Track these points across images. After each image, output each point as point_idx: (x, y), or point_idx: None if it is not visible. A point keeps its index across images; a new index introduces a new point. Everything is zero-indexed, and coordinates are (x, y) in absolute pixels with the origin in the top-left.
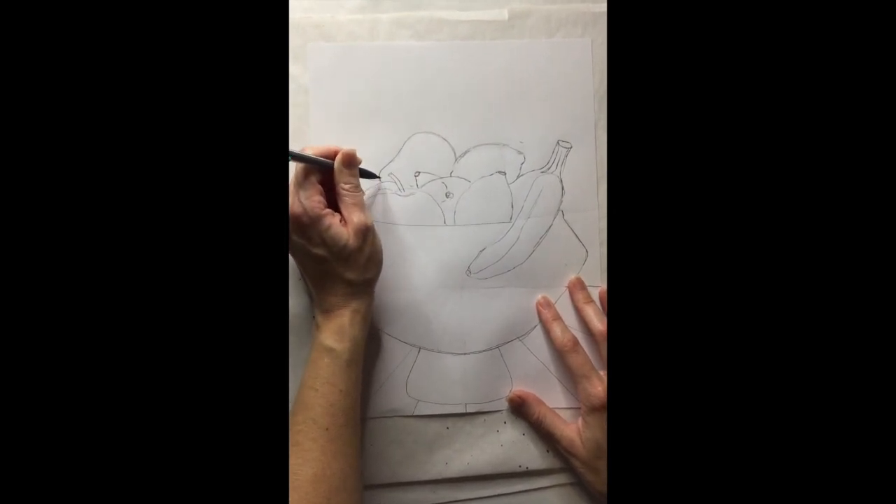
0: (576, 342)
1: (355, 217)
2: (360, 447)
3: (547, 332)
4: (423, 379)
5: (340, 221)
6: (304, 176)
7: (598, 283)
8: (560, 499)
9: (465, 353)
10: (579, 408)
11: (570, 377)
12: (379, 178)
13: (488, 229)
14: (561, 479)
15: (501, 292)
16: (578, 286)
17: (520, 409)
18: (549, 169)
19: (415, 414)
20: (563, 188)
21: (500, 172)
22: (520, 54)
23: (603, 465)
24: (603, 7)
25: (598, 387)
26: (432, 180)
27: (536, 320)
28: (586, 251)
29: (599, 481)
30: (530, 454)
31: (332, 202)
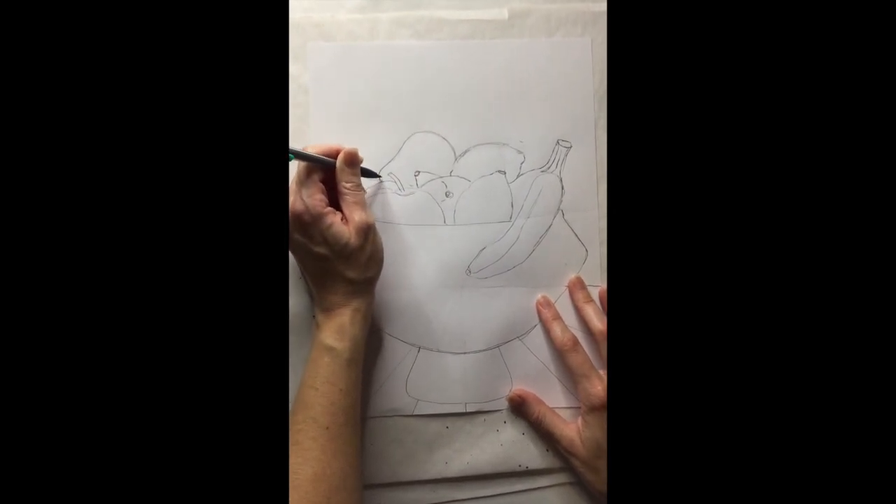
0: (576, 341)
1: (357, 216)
2: (360, 446)
3: (547, 332)
4: (423, 378)
5: (342, 220)
6: (306, 174)
7: (597, 283)
8: (560, 498)
9: (465, 353)
10: (579, 407)
11: (570, 376)
12: (380, 177)
13: (488, 229)
14: (561, 478)
15: (501, 292)
16: (578, 286)
17: (520, 408)
18: (548, 168)
19: (415, 413)
20: (562, 187)
21: (499, 172)
22: (520, 54)
23: (603, 464)
24: (603, 6)
25: (597, 386)
26: (432, 180)
27: (536, 320)
28: (586, 251)
29: (599, 481)
30: (530, 454)
31: (334, 201)
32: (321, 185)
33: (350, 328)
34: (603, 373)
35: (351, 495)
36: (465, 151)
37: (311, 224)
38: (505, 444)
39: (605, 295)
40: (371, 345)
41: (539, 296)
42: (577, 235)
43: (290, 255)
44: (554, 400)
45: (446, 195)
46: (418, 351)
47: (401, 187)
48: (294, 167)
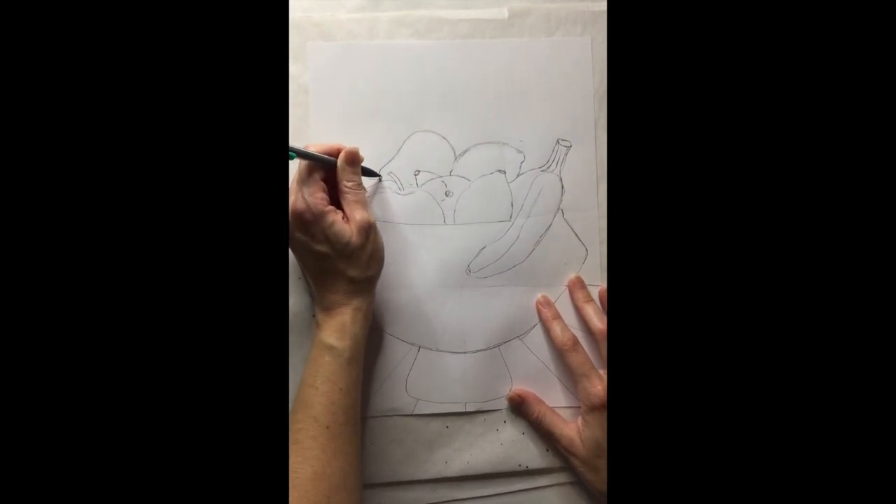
0: (575, 341)
1: (358, 214)
2: (360, 446)
3: (547, 331)
4: (423, 378)
5: (343, 219)
6: (308, 173)
7: (597, 282)
8: (560, 498)
9: (464, 352)
10: (579, 407)
11: (570, 376)
12: (380, 176)
13: (488, 228)
14: (560, 478)
15: (501, 291)
16: (578, 285)
17: (519, 407)
18: (548, 168)
19: (415, 413)
20: (562, 187)
21: (499, 171)
22: (519, 53)
23: (602, 464)
24: (603, 5)
25: (597, 386)
26: (432, 179)
27: (536, 319)
28: (586, 250)
29: (599, 480)
30: (530, 453)
31: (335, 200)
32: (322, 183)
33: (351, 327)
34: (603, 372)
35: (351, 494)
36: (465, 151)
37: (313, 222)
38: (505, 443)
39: (605, 294)
40: (371, 344)
41: (539, 295)
42: (577, 235)
43: (291, 253)
44: (554, 399)
45: (446, 194)
46: (418, 350)
47: (401, 187)
48: (295, 166)
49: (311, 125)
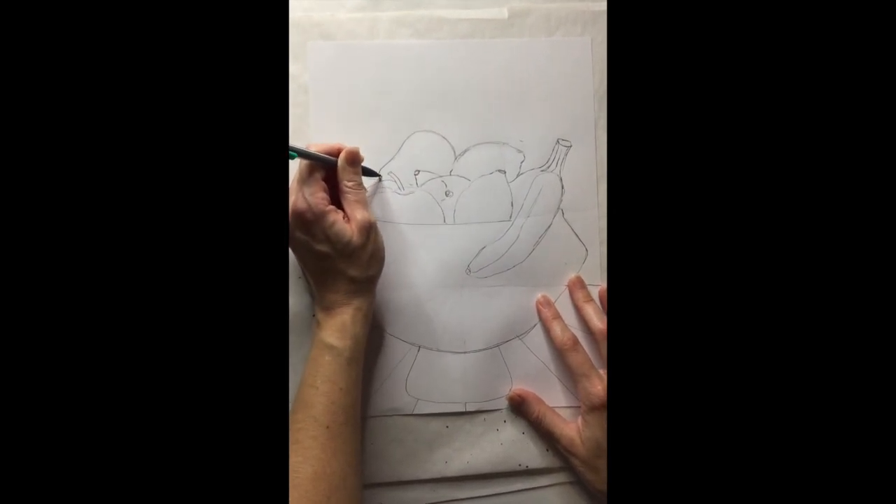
0: (575, 341)
1: (359, 214)
2: (360, 446)
3: (547, 331)
4: (423, 377)
5: (344, 218)
6: (308, 173)
7: (597, 282)
8: (559, 497)
9: (464, 352)
10: (579, 406)
11: (570, 376)
12: (380, 176)
13: (488, 228)
14: (560, 477)
15: (501, 291)
16: (578, 285)
17: (519, 407)
18: (548, 167)
19: (415, 413)
20: (562, 187)
21: (499, 171)
22: (519, 53)
23: (602, 463)
24: (603, 5)
25: (597, 385)
26: (432, 179)
27: (536, 319)
28: (586, 250)
29: (599, 480)
30: (530, 453)
31: (335, 199)
32: (323, 183)
33: (351, 327)
34: (603, 372)
35: (351, 494)
36: (465, 151)
37: (314, 222)
38: (505, 443)
39: (605, 294)
40: (371, 344)
41: (539, 295)
42: (577, 235)
43: (291, 253)
44: (554, 399)
45: (446, 194)
46: (418, 350)
47: (401, 186)
48: (295, 166)
49: (311, 125)
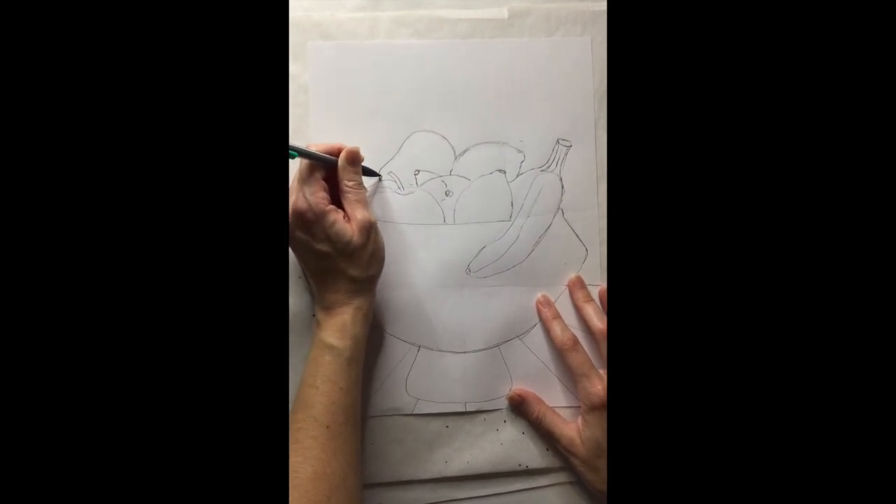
0: (575, 341)
1: (359, 214)
2: (360, 445)
3: (547, 331)
4: (423, 377)
5: (344, 218)
6: (309, 172)
7: (597, 282)
8: (559, 497)
9: (464, 352)
10: (579, 406)
11: (570, 376)
12: (380, 176)
13: (488, 228)
14: (560, 477)
15: (501, 291)
16: (578, 285)
17: (519, 407)
18: (548, 167)
19: (415, 412)
20: (562, 187)
21: (499, 171)
22: (519, 53)
23: (602, 463)
24: (603, 5)
25: (597, 385)
26: (432, 179)
27: (536, 319)
28: (586, 250)
29: (599, 480)
30: (530, 453)
31: (335, 199)
32: (324, 182)
33: (351, 327)
34: (603, 372)
35: (351, 494)
36: (465, 150)
37: (314, 222)
38: (505, 443)
39: (605, 294)
40: (371, 344)
41: (539, 295)
42: (577, 235)
43: (291, 253)
44: (554, 399)
45: (446, 194)
46: (418, 350)
47: (400, 186)
48: (296, 166)
49: (311, 125)
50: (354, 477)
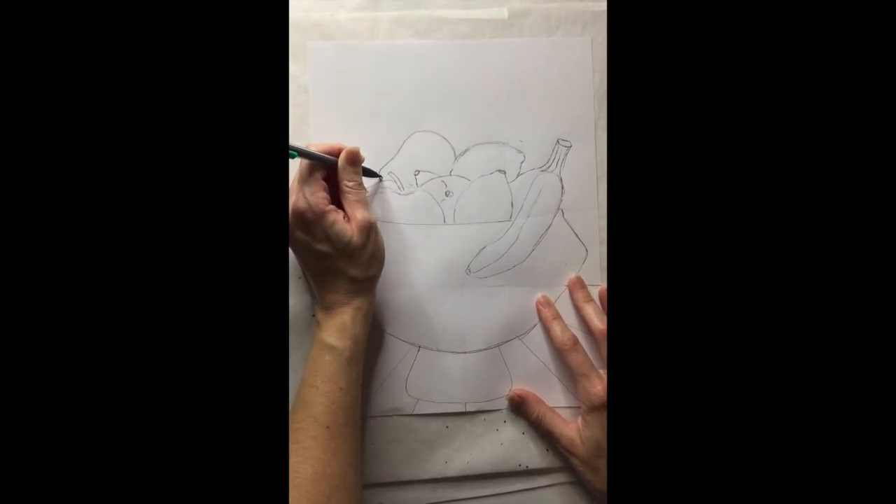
0: (575, 341)
1: (359, 214)
2: (360, 446)
3: (547, 331)
4: (423, 378)
5: (344, 218)
6: (309, 172)
7: (597, 282)
8: (560, 497)
9: (464, 352)
10: (579, 407)
11: (570, 376)
12: (380, 177)
13: (488, 228)
14: (560, 477)
15: (501, 291)
16: (578, 285)
17: (519, 407)
18: (548, 168)
19: (415, 413)
20: (562, 187)
21: (499, 171)
22: (519, 53)
23: (602, 463)
24: (603, 6)
25: (597, 386)
26: (432, 179)
27: (536, 319)
28: (586, 250)
29: (599, 480)
30: (530, 453)
31: (335, 199)
32: (324, 183)
33: (351, 327)
34: (603, 372)
35: (351, 494)
36: (465, 151)
37: (314, 222)
38: (505, 443)
39: (605, 294)
40: (371, 344)
41: (539, 295)
42: (577, 235)
43: (291, 253)
44: (554, 399)
45: (446, 194)
46: (418, 350)
47: (401, 186)
48: (296, 166)
49: (310, 125)
50: (354, 477)
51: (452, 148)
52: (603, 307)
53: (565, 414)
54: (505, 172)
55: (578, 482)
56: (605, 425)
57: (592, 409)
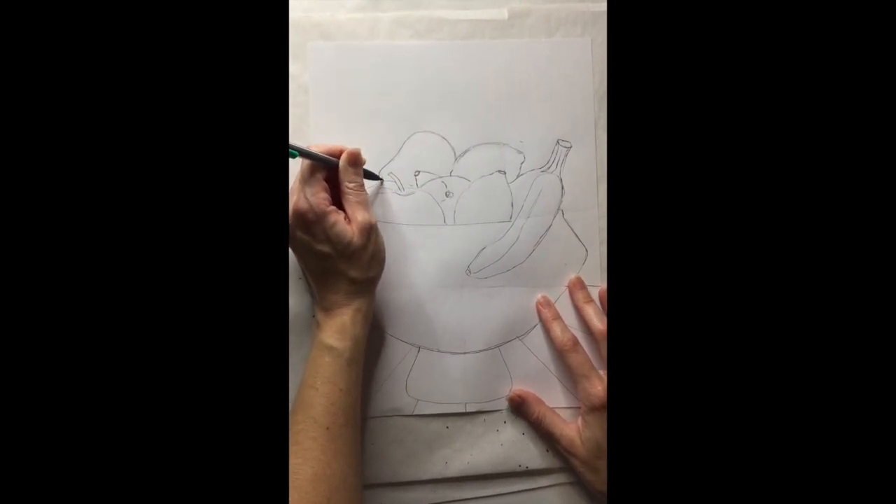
0: (576, 342)
1: (359, 215)
2: (360, 447)
3: (547, 332)
4: (424, 378)
5: (345, 219)
6: (310, 173)
7: (597, 283)
8: (560, 498)
9: (465, 353)
10: (579, 407)
11: (570, 377)
12: (381, 180)
13: (488, 228)
14: (560, 478)
15: (501, 292)
16: (578, 285)
17: (519, 408)
18: (548, 168)
19: (415, 413)
20: (562, 187)
21: (499, 172)
22: (519, 54)
23: (602, 464)
24: (603, 6)
25: (597, 386)
26: (432, 179)
27: (536, 320)
28: (586, 251)
29: (599, 481)
30: (530, 453)
31: (336, 201)
32: (325, 183)
33: (351, 328)
34: (603, 373)
35: (351, 495)
36: (465, 151)
37: (315, 222)
38: (505, 444)
39: (605, 295)
40: (371, 344)
41: (539, 296)
42: (577, 235)
43: (291, 253)
44: (554, 400)
45: (446, 195)
46: (418, 351)
47: (401, 187)
48: (297, 167)
49: (311, 125)
50: (354, 478)
51: (452, 148)
52: (603, 308)
53: (565, 414)
54: (505, 173)
55: (578, 483)
56: (605, 426)
57: (592, 409)
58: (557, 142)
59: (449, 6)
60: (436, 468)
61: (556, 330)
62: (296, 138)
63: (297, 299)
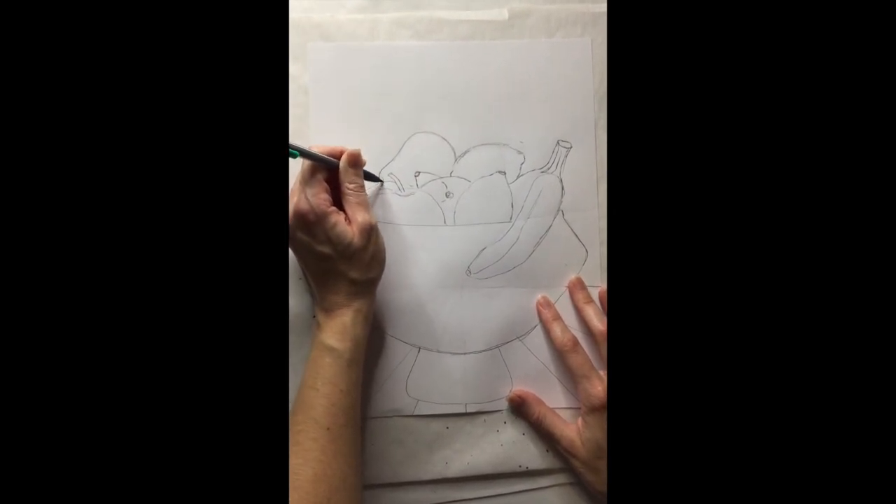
0: (576, 342)
1: (360, 216)
2: (360, 447)
3: (547, 332)
4: (424, 379)
5: (345, 220)
6: (311, 174)
7: (598, 283)
8: (560, 498)
9: (465, 353)
10: (579, 408)
11: (570, 377)
12: (381, 181)
13: (488, 229)
14: (561, 478)
15: (501, 292)
16: (578, 286)
17: (520, 408)
18: (548, 169)
19: (415, 414)
20: (563, 188)
21: (500, 172)
22: (520, 54)
23: (603, 464)
24: (603, 7)
25: (598, 387)
26: (432, 180)
27: (536, 320)
28: (586, 251)
29: (599, 481)
30: (530, 454)
31: (336, 202)
32: (325, 184)
33: (351, 329)
34: (603, 373)
35: (351, 496)
36: (466, 152)
37: (316, 223)
38: (505, 444)
39: (605, 295)
40: (371, 345)
41: (539, 296)
42: (577, 236)
43: (292, 254)
44: (554, 400)
45: (446, 195)
46: (418, 351)
47: (401, 188)
48: (298, 167)
49: (310, 125)
50: (355, 478)
51: (453, 149)
52: (603, 308)
53: (565, 415)
54: (505, 173)
55: (578, 483)
56: (606, 426)
57: (592, 410)
58: (557, 142)
59: (449, 7)
60: (436, 468)
61: (557, 330)
62: (296, 139)
63: (297, 300)
